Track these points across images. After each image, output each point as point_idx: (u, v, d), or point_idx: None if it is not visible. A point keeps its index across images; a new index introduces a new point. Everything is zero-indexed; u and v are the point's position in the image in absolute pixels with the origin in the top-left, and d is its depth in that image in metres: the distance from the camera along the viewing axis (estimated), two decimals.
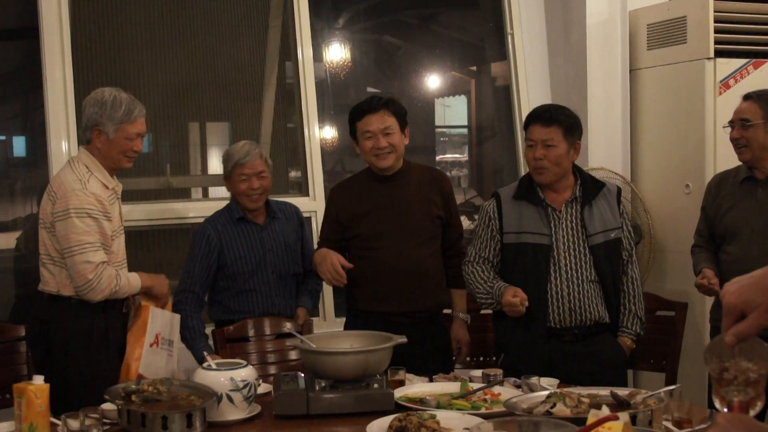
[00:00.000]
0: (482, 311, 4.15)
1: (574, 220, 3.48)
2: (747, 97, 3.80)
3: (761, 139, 3.70)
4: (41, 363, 3.40)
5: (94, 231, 3.30)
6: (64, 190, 3.32)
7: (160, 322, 3.46)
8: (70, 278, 3.33)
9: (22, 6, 4.49)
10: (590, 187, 3.52)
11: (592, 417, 1.67)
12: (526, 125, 3.51)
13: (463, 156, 7.17)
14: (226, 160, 3.86)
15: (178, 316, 3.59)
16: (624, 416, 1.65)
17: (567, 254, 3.44)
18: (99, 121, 3.38)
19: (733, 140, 3.78)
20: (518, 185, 3.57)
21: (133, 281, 3.41)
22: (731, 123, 3.80)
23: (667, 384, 3.73)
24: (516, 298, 3.32)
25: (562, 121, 3.42)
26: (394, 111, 3.57)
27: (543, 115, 3.45)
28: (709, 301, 4.02)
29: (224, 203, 4.01)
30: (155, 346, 3.41)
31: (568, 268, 3.43)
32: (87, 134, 3.44)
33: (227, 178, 3.87)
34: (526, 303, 3.33)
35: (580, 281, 3.43)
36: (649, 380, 4.34)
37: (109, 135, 3.38)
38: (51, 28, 4.31)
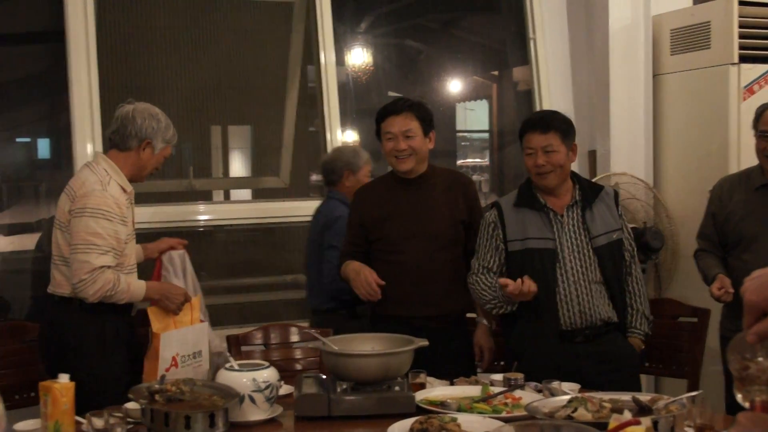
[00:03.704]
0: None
1: (577, 224, 3.49)
2: None
3: None
4: (52, 365, 3.28)
5: (106, 234, 3.26)
6: (84, 190, 3.30)
7: (176, 343, 3.39)
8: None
9: (49, 9, 4.54)
10: (589, 190, 3.55)
11: (613, 421, 1.67)
12: (522, 134, 3.52)
13: (484, 160, 7.17)
14: None
15: (203, 326, 3.54)
16: (646, 421, 1.65)
17: (572, 257, 3.45)
18: (153, 135, 3.43)
19: (765, 152, 3.73)
20: (518, 193, 3.57)
21: (134, 289, 3.34)
22: (763, 133, 3.75)
23: (689, 390, 3.72)
24: (518, 281, 3.31)
25: (558, 126, 3.45)
26: (418, 114, 3.58)
27: (539, 123, 3.48)
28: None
29: (245, 206, 4.02)
30: (174, 368, 3.36)
31: (575, 271, 3.44)
32: (131, 143, 3.42)
33: None
34: (533, 285, 3.33)
35: (587, 283, 3.44)
36: (671, 386, 4.33)
37: (155, 150, 3.45)
38: (77, 32, 4.35)
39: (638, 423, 1.63)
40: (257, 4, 5.00)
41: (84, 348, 3.33)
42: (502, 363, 4.11)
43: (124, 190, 3.42)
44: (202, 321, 3.55)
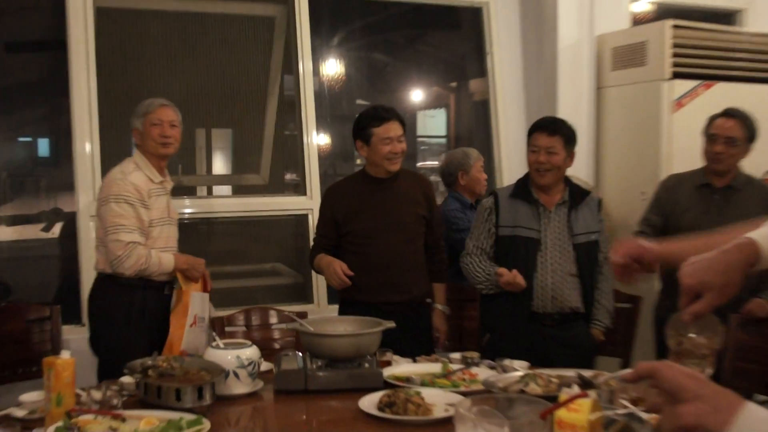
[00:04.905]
0: (461, 300, 4.19)
1: (562, 220, 3.53)
2: (731, 115, 3.76)
3: (739, 158, 3.74)
4: (92, 335, 3.54)
5: (130, 215, 3.40)
6: (108, 181, 3.47)
7: (198, 304, 3.51)
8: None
9: (52, 20, 4.50)
10: (577, 194, 3.60)
11: (564, 395, 1.69)
12: (531, 132, 3.58)
13: (441, 162, 7.20)
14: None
15: (206, 295, 3.62)
16: (593, 394, 1.67)
17: (553, 249, 3.50)
18: (132, 123, 3.58)
19: (715, 153, 3.76)
20: (515, 186, 3.63)
21: (164, 262, 3.47)
22: (713, 136, 3.79)
23: (623, 367, 3.78)
24: (512, 273, 3.42)
25: (564, 132, 3.53)
26: (401, 122, 3.63)
27: (549, 126, 3.54)
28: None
29: (228, 200, 3.96)
30: (194, 326, 3.47)
31: (553, 261, 3.49)
32: (132, 140, 3.63)
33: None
34: (523, 281, 3.41)
35: (562, 273, 3.48)
36: (608, 364, 4.38)
37: (140, 129, 3.55)
38: (78, 41, 4.34)
39: (587, 396, 1.65)
40: (242, 17, 4.98)
41: (112, 319, 3.45)
42: (458, 343, 4.15)
43: (152, 180, 3.52)
44: (207, 291, 3.65)
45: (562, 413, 1.67)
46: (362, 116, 3.65)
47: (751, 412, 1.09)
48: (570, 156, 3.56)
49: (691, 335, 1.57)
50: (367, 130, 3.60)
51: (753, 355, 3.47)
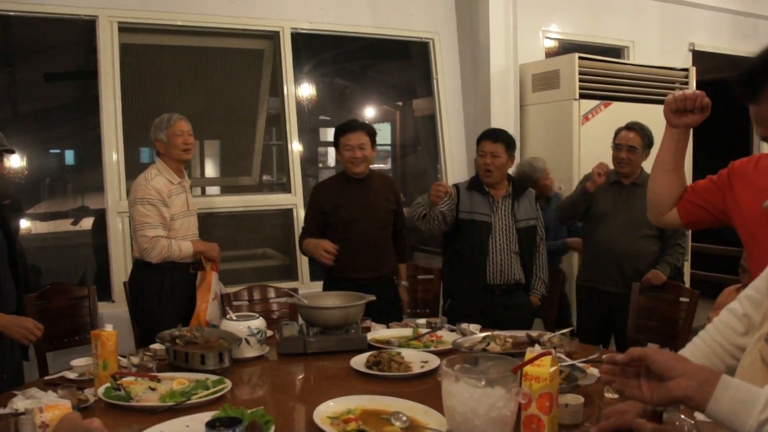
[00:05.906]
0: (419, 276, 4.17)
1: (507, 209, 3.54)
2: (631, 129, 3.78)
3: (640, 161, 3.78)
4: (133, 309, 3.47)
5: (153, 214, 3.31)
6: (135, 186, 3.38)
7: (216, 282, 3.44)
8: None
9: (84, 54, 4.39)
10: (518, 188, 3.61)
11: (530, 353, 1.67)
12: (479, 140, 3.57)
13: (387, 166, 7.20)
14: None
15: (216, 275, 3.53)
16: (553, 352, 1.66)
17: (501, 232, 3.50)
18: (155, 136, 3.45)
19: (620, 159, 3.78)
20: (470, 181, 3.63)
21: (184, 248, 3.37)
22: (618, 146, 3.81)
23: (547, 328, 3.80)
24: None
25: (504, 140, 3.52)
26: (367, 132, 3.56)
27: (492, 135, 3.54)
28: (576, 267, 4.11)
29: (226, 197, 3.88)
30: (214, 300, 3.40)
31: (501, 242, 3.49)
32: (155, 149, 3.48)
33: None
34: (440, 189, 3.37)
35: (508, 252, 3.49)
36: (538, 324, 4.41)
37: (164, 140, 3.43)
38: (107, 71, 4.22)
39: (550, 354, 1.63)
40: (237, 50, 4.87)
41: (147, 296, 3.36)
42: (417, 310, 4.13)
43: (171, 182, 3.41)
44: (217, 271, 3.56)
45: (528, 368, 1.65)
46: (336, 128, 3.61)
47: (726, 382, 1.10)
48: (511, 159, 3.56)
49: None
50: (338, 139, 3.57)
51: (650, 314, 3.52)
